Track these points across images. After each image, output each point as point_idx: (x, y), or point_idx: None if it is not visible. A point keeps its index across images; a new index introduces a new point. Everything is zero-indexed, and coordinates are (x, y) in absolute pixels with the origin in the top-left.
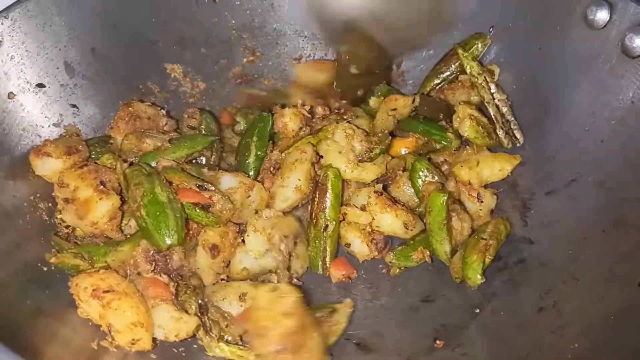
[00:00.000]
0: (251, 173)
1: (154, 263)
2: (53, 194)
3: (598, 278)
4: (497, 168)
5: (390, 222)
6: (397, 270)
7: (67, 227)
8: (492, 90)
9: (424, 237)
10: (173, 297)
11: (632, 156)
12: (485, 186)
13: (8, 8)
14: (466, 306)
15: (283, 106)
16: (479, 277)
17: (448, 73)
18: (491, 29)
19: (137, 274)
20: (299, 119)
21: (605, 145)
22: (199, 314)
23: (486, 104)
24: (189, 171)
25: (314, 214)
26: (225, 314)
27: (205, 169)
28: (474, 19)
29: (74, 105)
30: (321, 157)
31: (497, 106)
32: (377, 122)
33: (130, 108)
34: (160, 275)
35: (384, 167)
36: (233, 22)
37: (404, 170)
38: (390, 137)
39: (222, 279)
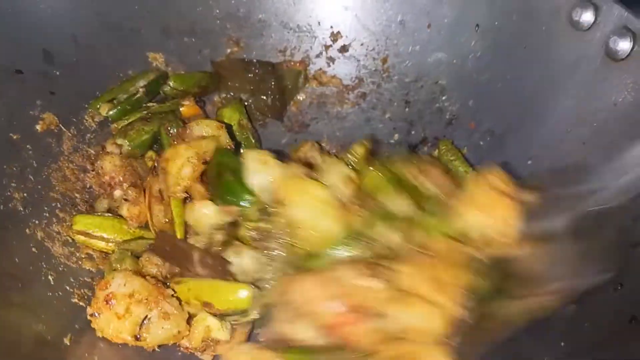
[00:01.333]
0: None
1: None
2: None
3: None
4: None
5: None
6: None
7: None
8: None
9: None
10: None
11: (614, 159)
12: None
13: None
14: None
15: None
16: None
17: None
18: (477, 27)
19: None
20: None
21: (586, 148)
22: None
23: None
24: None
25: None
26: None
27: None
28: (460, 18)
29: (52, 93)
30: None
31: None
32: None
33: None
34: None
35: None
36: (217, 11)
37: None
38: None
39: None
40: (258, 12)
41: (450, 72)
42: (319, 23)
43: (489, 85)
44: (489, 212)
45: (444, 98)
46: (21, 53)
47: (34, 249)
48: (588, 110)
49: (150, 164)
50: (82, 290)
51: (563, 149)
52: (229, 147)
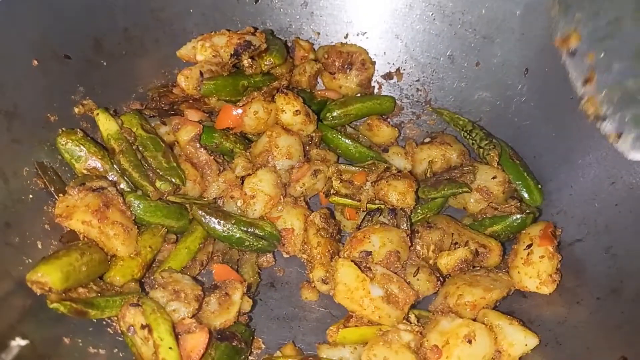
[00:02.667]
0: None
1: None
2: None
3: (582, 345)
4: None
5: None
6: None
7: None
8: None
9: None
10: None
11: None
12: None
13: None
14: None
15: None
16: None
17: None
18: (526, 71)
19: None
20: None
21: (618, 210)
22: None
23: None
24: None
25: None
26: None
27: None
28: (510, 60)
29: (95, 81)
30: None
31: None
32: None
33: None
34: None
35: None
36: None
37: None
38: None
39: None
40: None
41: (492, 113)
42: (367, 49)
43: (529, 131)
44: None
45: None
46: (72, 39)
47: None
48: (627, 172)
49: None
50: None
51: (594, 207)
52: None
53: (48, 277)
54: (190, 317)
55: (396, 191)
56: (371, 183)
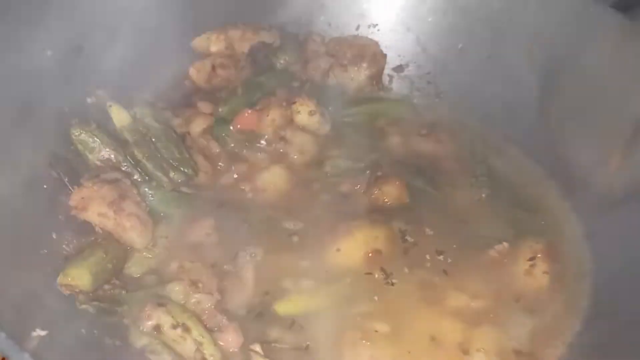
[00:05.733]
0: None
1: None
2: None
3: None
4: None
5: None
6: None
7: None
8: None
9: None
10: None
11: None
12: None
13: None
14: None
15: None
16: None
17: None
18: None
19: None
20: None
21: None
22: None
23: None
24: None
25: None
26: None
27: None
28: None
29: (107, 73)
30: None
31: None
32: None
33: None
34: None
35: None
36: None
37: None
38: None
39: None
40: None
41: (505, 108)
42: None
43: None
44: None
45: None
46: (86, 29)
47: None
48: None
49: None
50: None
51: None
52: None
53: (79, 280)
54: (214, 308)
55: None
56: None
